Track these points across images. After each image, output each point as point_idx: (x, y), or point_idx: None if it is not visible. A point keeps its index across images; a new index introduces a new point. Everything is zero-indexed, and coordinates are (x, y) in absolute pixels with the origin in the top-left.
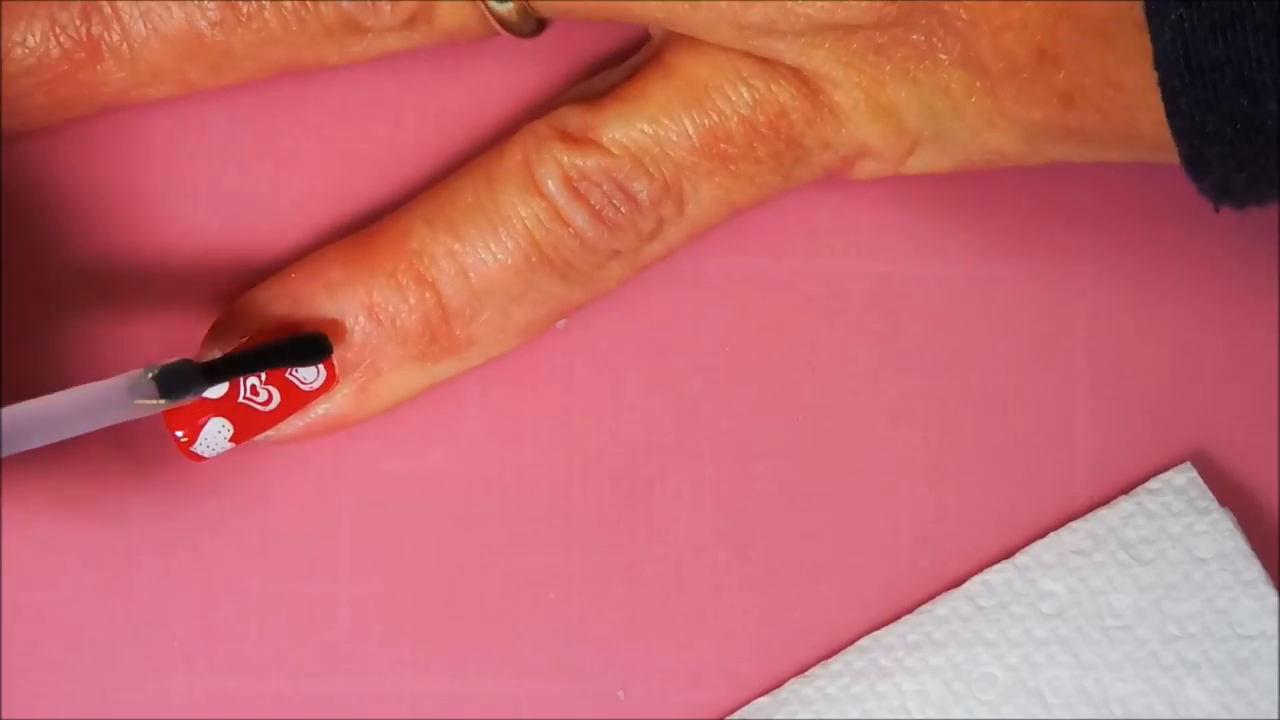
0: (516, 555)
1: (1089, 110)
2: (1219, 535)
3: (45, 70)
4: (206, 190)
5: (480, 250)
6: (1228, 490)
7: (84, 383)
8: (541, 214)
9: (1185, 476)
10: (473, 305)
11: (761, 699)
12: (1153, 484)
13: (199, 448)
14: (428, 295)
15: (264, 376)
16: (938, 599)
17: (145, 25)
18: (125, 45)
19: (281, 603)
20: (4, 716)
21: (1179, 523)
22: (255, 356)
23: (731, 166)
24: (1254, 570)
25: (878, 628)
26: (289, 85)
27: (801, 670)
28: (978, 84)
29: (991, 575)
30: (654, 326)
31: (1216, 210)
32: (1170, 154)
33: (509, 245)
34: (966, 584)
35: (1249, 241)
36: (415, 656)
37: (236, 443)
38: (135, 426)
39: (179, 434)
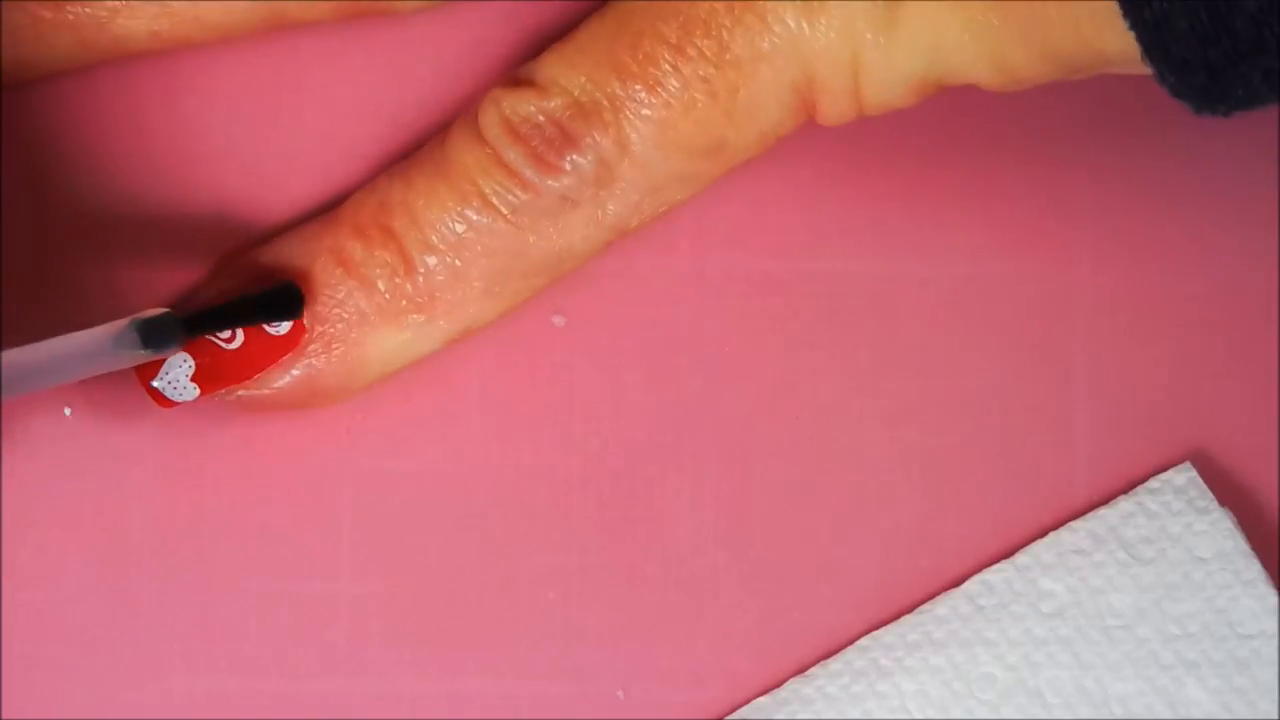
0: (516, 555)
1: None
2: (1219, 535)
3: None
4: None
5: (427, 196)
6: (1228, 490)
7: (77, 329)
8: (484, 159)
9: (1185, 476)
10: (427, 253)
11: (761, 699)
12: (1153, 484)
13: (160, 384)
14: (390, 244)
15: None
16: (938, 599)
17: None
18: None
19: (281, 602)
20: (4, 716)
21: (1179, 522)
22: (233, 308)
23: (660, 90)
24: (1254, 570)
25: (878, 628)
26: (290, 80)
27: (801, 670)
28: None
29: (991, 575)
30: (654, 325)
31: (1197, 114)
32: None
33: (454, 191)
34: (966, 584)
35: (1249, 241)
36: (415, 656)
37: (204, 390)
38: (135, 425)
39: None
